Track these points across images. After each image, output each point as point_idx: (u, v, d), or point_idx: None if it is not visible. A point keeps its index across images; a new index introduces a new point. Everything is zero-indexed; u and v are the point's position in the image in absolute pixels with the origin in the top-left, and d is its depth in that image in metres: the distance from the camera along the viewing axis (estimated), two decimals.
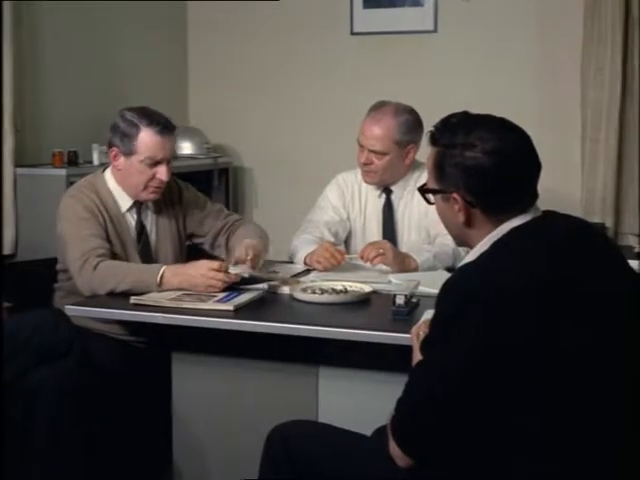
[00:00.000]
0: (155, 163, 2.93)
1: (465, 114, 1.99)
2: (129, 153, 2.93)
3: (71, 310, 2.64)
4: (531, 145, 1.95)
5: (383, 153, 3.21)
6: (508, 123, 1.97)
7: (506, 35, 4.57)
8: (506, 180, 1.88)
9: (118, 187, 3.01)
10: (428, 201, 2.05)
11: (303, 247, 3.15)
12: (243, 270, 2.78)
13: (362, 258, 2.98)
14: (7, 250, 3.78)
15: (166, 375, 2.75)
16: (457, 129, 1.93)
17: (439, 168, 1.95)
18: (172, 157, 3.01)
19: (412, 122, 3.23)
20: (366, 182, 3.34)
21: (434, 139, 1.97)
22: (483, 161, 1.87)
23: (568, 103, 4.42)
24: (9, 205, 3.78)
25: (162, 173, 2.94)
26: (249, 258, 2.87)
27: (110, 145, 2.98)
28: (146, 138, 2.91)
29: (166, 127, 2.95)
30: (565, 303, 1.75)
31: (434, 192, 2.00)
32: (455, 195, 1.92)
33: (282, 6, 4.98)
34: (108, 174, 3.04)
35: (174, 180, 3.19)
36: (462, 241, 2.04)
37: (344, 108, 4.77)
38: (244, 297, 2.62)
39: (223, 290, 2.67)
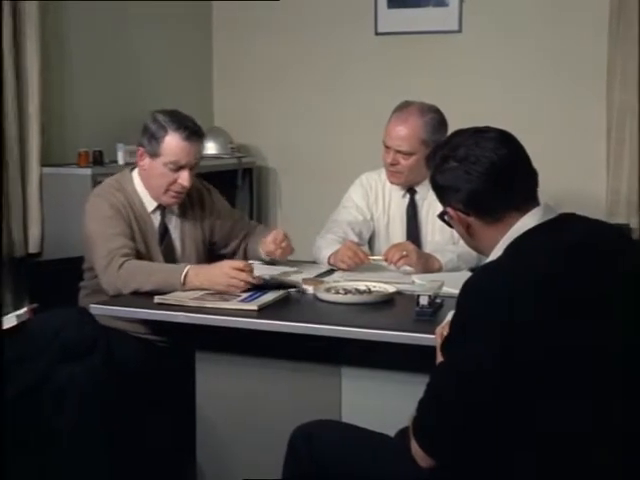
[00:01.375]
0: (178, 168, 2.94)
1: (451, 133, 2.06)
2: (154, 155, 2.94)
3: (96, 309, 2.66)
4: (513, 148, 1.96)
5: (410, 153, 3.20)
6: (487, 131, 1.98)
7: (531, 35, 4.55)
8: (486, 182, 1.91)
9: (144, 188, 3.03)
10: (450, 225, 2.07)
11: (326, 247, 3.15)
12: (267, 271, 2.80)
13: (386, 260, 2.98)
14: (33, 249, 3.81)
15: (189, 374, 2.76)
16: (436, 149, 2.03)
17: (434, 189, 2.04)
18: (197, 163, 3.01)
19: (438, 121, 3.22)
20: (392, 183, 3.33)
21: (427, 166, 2.06)
22: (458, 171, 1.93)
23: (594, 103, 4.39)
24: (35, 204, 3.81)
25: (184, 179, 2.95)
26: (284, 245, 2.93)
27: (138, 145, 3.00)
28: (172, 142, 2.92)
29: (194, 133, 2.95)
30: (581, 304, 1.75)
31: (442, 215, 2.07)
32: (449, 209, 1.99)
33: (307, 6, 4.99)
34: (135, 173, 3.06)
35: (202, 183, 3.22)
36: (477, 250, 2.10)
37: (368, 108, 4.76)
38: (268, 297, 2.63)
39: (247, 290, 2.68)
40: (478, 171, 1.90)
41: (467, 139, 1.95)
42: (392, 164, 3.24)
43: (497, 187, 1.91)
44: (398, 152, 3.21)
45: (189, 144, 2.93)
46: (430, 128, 3.19)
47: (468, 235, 2.01)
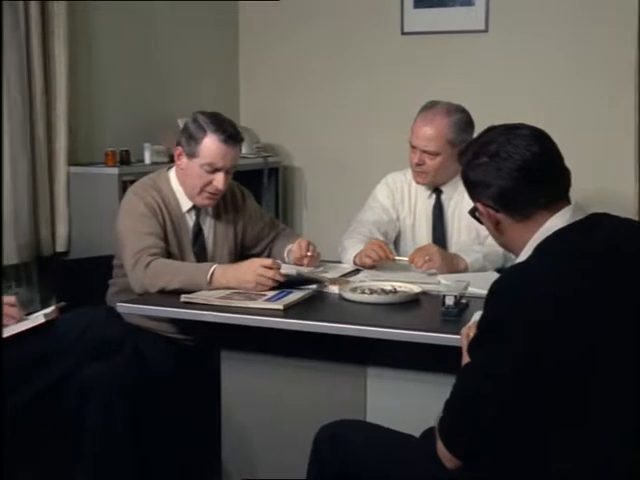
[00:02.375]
0: (214, 170, 2.95)
1: (484, 129, 2.04)
2: (191, 155, 2.96)
3: (122, 308, 2.67)
4: (545, 146, 1.95)
5: (436, 153, 3.19)
6: (520, 128, 1.98)
7: (558, 34, 4.52)
8: (516, 179, 1.90)
9: (180, 187, 3.05)
10: (480, 222, 2.07)
11: (352, 247, 3.15)
12: (294, 269, 2.80)
13: (411, 264, 2.98)
14: (60, 247, 3.84)
15: (215, 373, 2.77)
16: (469, 145, 2.04)
17: (465, 185, 2.04)
18: (233, 167, 3.02)
19: (464, 122, 3.20)
20: (418, 183, 3.32)
21: (459, 162, 2.06)
22: (489, 167, 1.93)
23: (622, 103, 4.36)
24: (63, 203, 3.84)
25: (219, 181, 2.96)
26: (309, 254, 2.93)
27: (177, 144, 3.02)
28: (210, 144, 2.93)
29: (232, 137, 2.97)
30: (612, 304, 1.74)
31: (473, 211, 2.06)
32: (478, 205, 1.99)
33: (333, 6, 4.99)
34: (172, 173, 3.08)
35: (237, 186, 3.25)
36: (505, 247, 2.10)
37: (394, 108, 4.75)
38: (293, 296, 2.63)
39: (273, 289, 2.68)
40: (509, 167, 1.90)
41: (499, 135, 1.95)
42: (418, 164, 3.23)
43: (527, 184, 1.91)
44: (424, 152, 3.20)
45: (226, 147, 2.94)
46: (456, 128, 3.18)
47: (497, 232, 2.01)
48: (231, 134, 2.97)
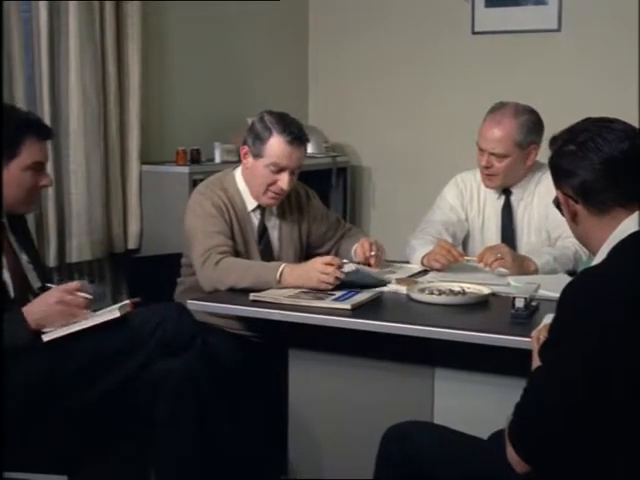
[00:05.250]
0: (279, 170, 2.97)
1: (582, 119, 2.02)
2: (257, 155, 2.98)
3: (193, 305, 2.70)
4: (636, 144, 1.92)
5: (504, 155, 3.15)
6: (615, 122, 1.96)
7: (632, 34, 4.43)
8: (599, 172, 1.89)
9: (246, 186, 3.07)
10: (561, 211, 2.06)
11: (420, 248, 3.13)
12: (355, 267, 2.81)
13: (480, 262, 2.95)
14: (132, 245, 3.91)
15: (282, 371, 2.78)
16: (562, 132, 2.01)
17: (551, 172, 2.03)
18: (298, 168, 3.04)
19: (533, 122, 3.16)
20: (487, 186, 3.28)
21: (550, 148, 2.04)
22: (575, 156, 1.91)
23: None
24: (135, 201, 3.91)
25: (283, 181, 2.98)
26: (373, 254, 2.92)
27: (243, 143, 3.05)
28: (275, 144, 2.95)
29: (298, 138, 2.98)
30: None
31: (557, 200, 2.04)
32: (559, 193, 1.99)
33: (403, 5, 4.98)
34: (238, 173, 3.11)
35: (302, 187, 3.26)
36: (579, 240, 2.08)
37: (464, 108, 4.72)
38: (361, 296, 2.64)
39: (340, 288, 2.69)
40: (593, 159, 1.89)
41: (592, 126, 1.94)
42: (486, 167, 3.20)
43: (609, 179, 1.89)
44: (492, 154, 3.16)
45: (291, 148, 2.96)
46: (525, 129, 3.14)
47: (573, 223, 2.00)
48: (297, 135, 2.98)
